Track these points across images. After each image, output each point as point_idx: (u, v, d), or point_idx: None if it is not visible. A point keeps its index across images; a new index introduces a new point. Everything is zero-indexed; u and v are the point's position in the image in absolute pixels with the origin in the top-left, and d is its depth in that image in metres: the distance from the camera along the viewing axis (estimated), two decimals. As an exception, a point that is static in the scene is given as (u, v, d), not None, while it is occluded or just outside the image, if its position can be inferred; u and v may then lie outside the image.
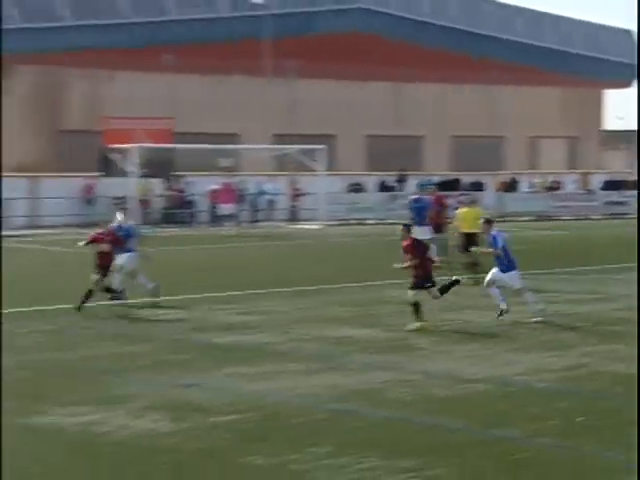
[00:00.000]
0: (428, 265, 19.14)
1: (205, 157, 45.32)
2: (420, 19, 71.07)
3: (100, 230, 21.41)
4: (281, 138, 51.60)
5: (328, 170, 47.08)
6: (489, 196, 50.44)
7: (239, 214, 44.25)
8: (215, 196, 43.13)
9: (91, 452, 11.38)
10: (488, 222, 20.87)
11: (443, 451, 11.40)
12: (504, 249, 19.91)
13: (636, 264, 25.84)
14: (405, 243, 19.25)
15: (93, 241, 21.00)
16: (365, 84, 64.41)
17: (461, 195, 29.76)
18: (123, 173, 41.68)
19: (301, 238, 39.53)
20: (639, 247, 27.57)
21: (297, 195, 47.11)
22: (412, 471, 10.72)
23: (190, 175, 45.11)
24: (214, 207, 43.40)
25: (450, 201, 32.77)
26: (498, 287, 19.78)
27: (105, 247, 20.77)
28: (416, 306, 18.85)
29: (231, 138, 57.34)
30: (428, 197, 29.63)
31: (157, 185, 44.71)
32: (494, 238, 20.08)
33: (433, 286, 19.14)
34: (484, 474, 10.55)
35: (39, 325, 19.21)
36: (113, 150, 42.26)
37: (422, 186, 32.32)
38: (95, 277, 20.58)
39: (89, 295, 20.38)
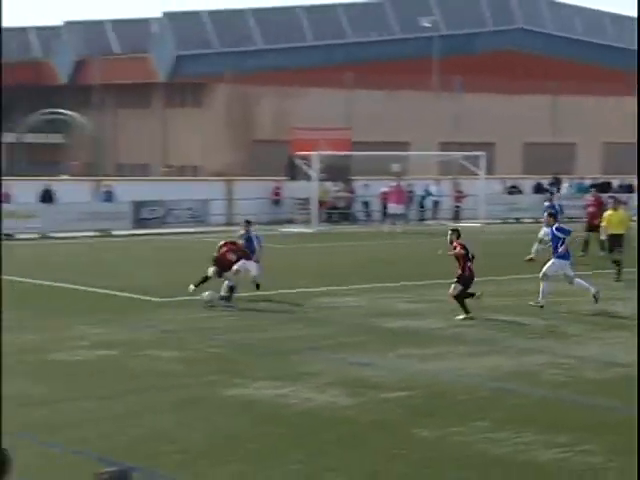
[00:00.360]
0: (470, 269, 18.92)
1: (378, 163, 45.32)
2: (574, 37, 69.70)
3: (233, 240, 20.99)
4: (446, 146, 51.21)
5: (488, 174, 46.49)
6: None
7: (407, 213, 44.17)
8: (386, 197, 43.10)
9: (279, 421, 11.50)
10: (551, 216, 20.80)
11: (596, 429, 11.12)
12: (564, 241, 19.60)
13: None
14: (455, 245, 19.16)
15: (224, 245, 20.77)
16: (523, 97, 63.40)
17: (609, 197, 28.74)
18: (306, 177, 42.04)
19: (463, 235, 39.03)
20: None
21: (460, 197, 46.68)
22: (566, 446, 10.49)
23: (365, 179, 45.21)
24: (384, 207, 43.38)
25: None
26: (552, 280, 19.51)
27: (232, 257, 20.52)
28: (464, 296, 18.57)
29: (402, 146, 57.19)
30: (557, 203, 29.22)
31: (335, 188, 44.92)
32: (559, 229, 19.81)
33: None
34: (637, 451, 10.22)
35: (233, 310, 19.50)
36: (298, 157, 42.65)
37: (580, 189, 31.52)
38: (212, 270, 20.23)
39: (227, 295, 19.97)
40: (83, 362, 14.63)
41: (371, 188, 44.89)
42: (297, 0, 65.10)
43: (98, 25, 67.13)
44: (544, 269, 19.76)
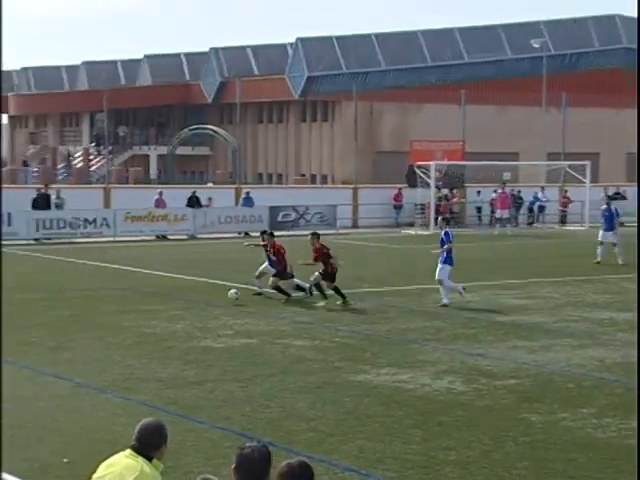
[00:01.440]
0: (332, 265, 19.30)
1: (490, 171, 44.77)
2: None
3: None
4: (554, 156, 50.18)
5: (592, 182, 45.45)
6: None
7: (517, 217, 43.64)
8: (495, 203, 42.58)
9: (400, 404, 11.47)
10: (445, 220, 20.49)
11: (695, 417, 10.73)
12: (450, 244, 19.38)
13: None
14: (316, 247, 19.44)
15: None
16: (626, 110, 61.70)
17: None
18: (424, 185, 41.82)
19: (569, 237, 38.36)
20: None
21: (566, 202, 45.79)
22: (667, 433, 10.16)
23: (478, 186, 44.75)
24: (493, 212, 42.88)
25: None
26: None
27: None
28: (318, 286, 19.20)
29: (512, 156, 56.37)
30: (614, 207, 28.03)
31: (450, 194, 44.56)
32: (446, 234, 19.55)
33: (333, 282, 19.26)
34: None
35: (357, 303, 19.49)
36: (417, 166, 42.45)
37: None
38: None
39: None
40: (227, 349, 14.85)
41: (483, 194, 44.48)
42: (417, 25, 64.66)
43: (240, 50, 68.09)
44: (437, 276, 19.37)
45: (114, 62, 75.73)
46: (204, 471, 8.46)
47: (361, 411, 11.15)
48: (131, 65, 74.87)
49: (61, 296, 20.12)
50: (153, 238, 36.28)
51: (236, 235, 37.71)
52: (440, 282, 19.38)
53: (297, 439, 10.05)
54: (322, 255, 19.60)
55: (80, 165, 69.16)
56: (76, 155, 72.47)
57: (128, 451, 5.33)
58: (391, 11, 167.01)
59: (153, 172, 66.63)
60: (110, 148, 53.89)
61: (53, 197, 36.06)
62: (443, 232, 19.77)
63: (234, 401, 11.59)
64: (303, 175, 60.41)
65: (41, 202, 35.44)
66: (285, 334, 16.03)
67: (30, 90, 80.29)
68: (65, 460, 9.31)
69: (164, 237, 36.62)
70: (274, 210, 39.08)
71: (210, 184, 50.77)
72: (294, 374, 13.01)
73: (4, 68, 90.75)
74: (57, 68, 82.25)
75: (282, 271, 20.06)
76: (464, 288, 19.63)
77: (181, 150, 63.53)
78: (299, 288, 20.19)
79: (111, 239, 34.87)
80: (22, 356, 14.05)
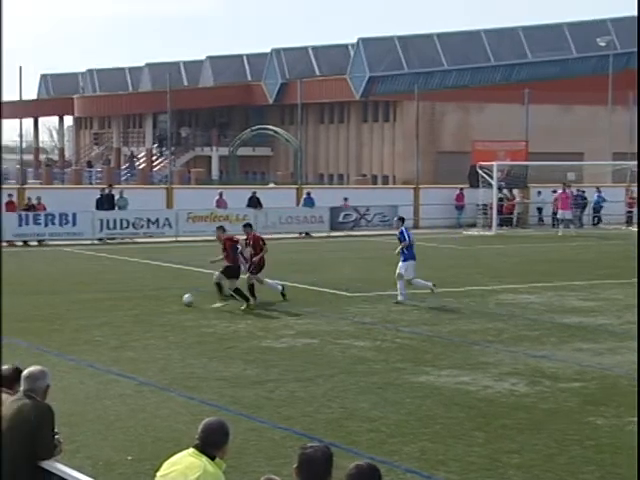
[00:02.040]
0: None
1: (553, 172, 44.28)
2: None
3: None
4: (620, 156, 49.43)
5: (659, 182, 44.73)
6: None
7: (580, 217, 43.11)
8: (557, 203, 42.13)
9: (462, 406, 11.39)
10: (401, 220, 20.31)
11: None
12: (410, 243, 19.55)
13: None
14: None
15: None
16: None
17: None
18: (486, 185, 41.50)
19: (634, 238, 37.68)
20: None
21: (632, 202, 45.09)
22: None
23: (541, 186, 44.28)
24: (555, 213, 42.43)
25: None
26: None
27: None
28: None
29: (577, 156, 55.68)
30: None
31: (510, 194, 44.20)
32: (401, 233, 19.64)
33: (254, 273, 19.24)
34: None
35: (418, 304, 19.41)
36: (479, 167, 42.14)
37: None
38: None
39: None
40: (288, 348, 14.89)
41: (544, 195, 44.06)
42: (480, 24, 64.15)
43: (301, 51, 68.28)
44: (399, 271, 19.50)
45: (177, 63, 76.44)
46: (265, 471, 8.50)
47: (423, 412, 11.10)
48: (193, 66, 75.52)
49: (124, 296, 20.38)
50: (215, 238, 36.44)
51: (297, 236, 37.82)
52: (400, 276, 19.50)
53: (359, 440, 10.04)
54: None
55: (143, 166, 69.96)
56: (139, 156, 73.34)
57: (191, 450, 5.38)
58: (454, 10, 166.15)
59: (215, 173, 67.11)
60: (173, 149, 54.39)
61: (116, 197, 36.53)
62: (399, 231, 19.86)
63: (296, 401, 11.61)
64: (364, 175, 60.35)
65: (105, 202, 35.92)
66: (346, 334, 16.02)
67: (95, 92, 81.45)
68: (129, 458, 9.43)
69: (226, 237, 36.79)
70: (335, 210, 39.09)
71: (272, 184, 50.96)
72: (355, 374, 13.00)
73: (67, 70, 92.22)
74: (121, 70, 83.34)
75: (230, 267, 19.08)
76: (434, 285, 19.96)
77: (242, 151, 63.87)
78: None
79: (173, 239, 35.20)
80: (86, 355, 14.26)
